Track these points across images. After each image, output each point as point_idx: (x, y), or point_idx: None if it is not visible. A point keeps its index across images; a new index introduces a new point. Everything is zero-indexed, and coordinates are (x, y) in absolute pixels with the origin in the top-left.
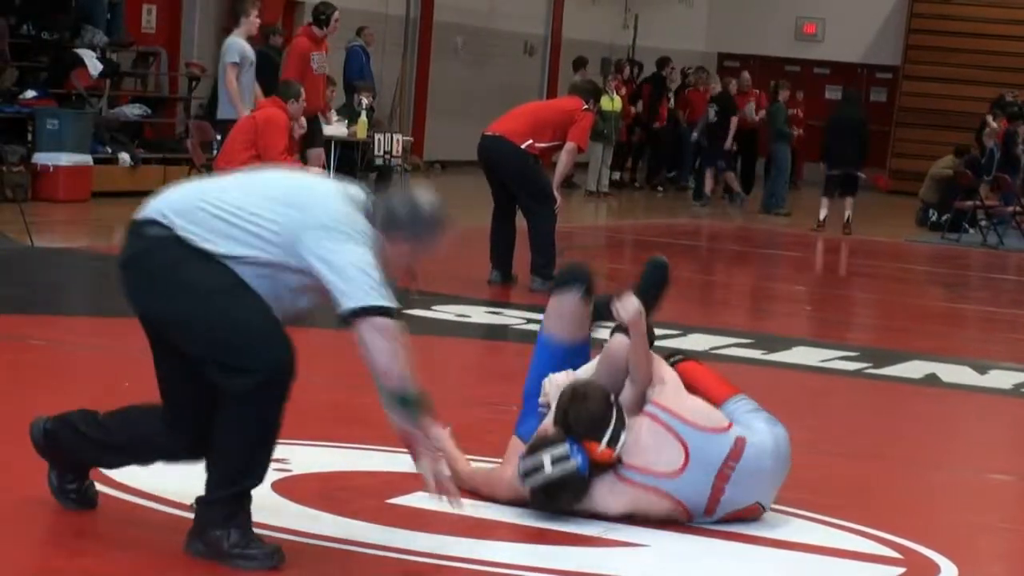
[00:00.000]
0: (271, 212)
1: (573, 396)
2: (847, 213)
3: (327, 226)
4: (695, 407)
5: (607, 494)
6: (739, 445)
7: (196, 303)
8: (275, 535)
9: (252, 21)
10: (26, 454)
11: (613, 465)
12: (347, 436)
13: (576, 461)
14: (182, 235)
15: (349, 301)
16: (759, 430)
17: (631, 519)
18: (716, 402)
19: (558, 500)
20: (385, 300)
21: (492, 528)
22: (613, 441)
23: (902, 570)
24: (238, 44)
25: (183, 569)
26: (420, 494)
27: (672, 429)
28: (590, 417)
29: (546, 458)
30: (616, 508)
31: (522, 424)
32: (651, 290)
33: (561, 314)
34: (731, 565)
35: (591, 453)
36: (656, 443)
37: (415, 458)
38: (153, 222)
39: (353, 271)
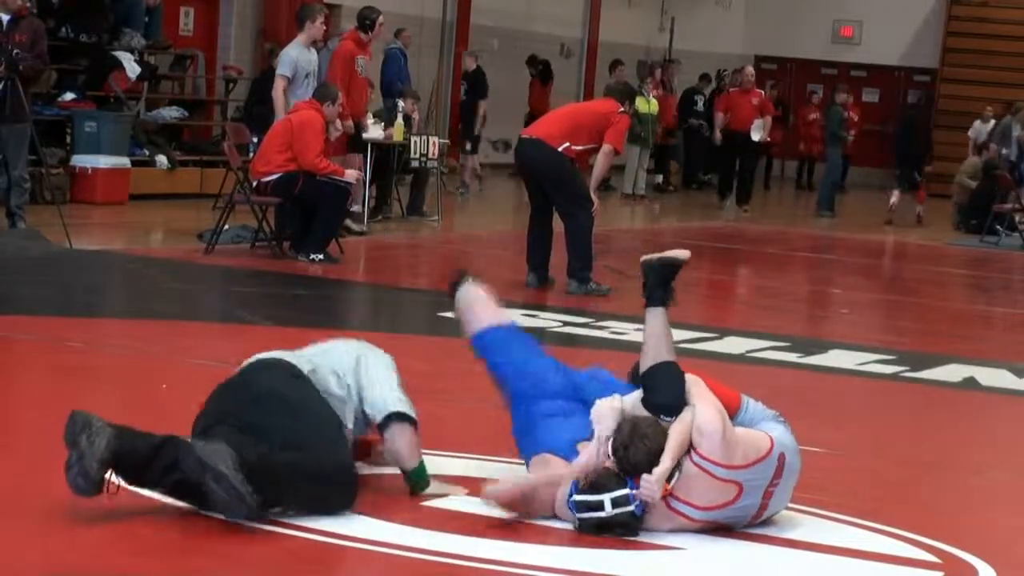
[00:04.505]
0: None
1: (633, 434)
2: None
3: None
4: (744, 451)
5: (657, 519)
6: (781, 461)
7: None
8: (310, 536)
9: (317, 27)
10: (62, 456)
11: (665, 497)
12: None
13: (634, 505)
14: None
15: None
16: (782, 433)
17: None
18: (730, 414)
19: (610, 534)
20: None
21: (528, 531)
22: (669, 478)
23: (940, 574)
24: (291, 55)
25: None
26: (453, 497)
27: (725, 479)
28: (648, 456)
29: (607, 500)
30: (665, 530)
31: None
32: (663, 286)
33: None
34: (769, 568)
35: None
36: (708, 486)
37: None
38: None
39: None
